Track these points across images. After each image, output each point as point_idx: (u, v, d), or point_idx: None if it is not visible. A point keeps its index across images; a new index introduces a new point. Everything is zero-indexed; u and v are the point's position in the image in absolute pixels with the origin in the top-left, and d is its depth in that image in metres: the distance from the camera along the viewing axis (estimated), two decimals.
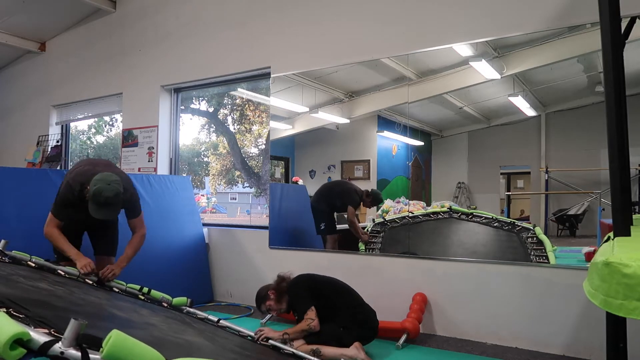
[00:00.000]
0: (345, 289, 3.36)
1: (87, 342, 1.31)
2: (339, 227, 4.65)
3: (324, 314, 3.12)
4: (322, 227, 4.68)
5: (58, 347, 1.29)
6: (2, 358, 1.21)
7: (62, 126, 6.94)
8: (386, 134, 4.52)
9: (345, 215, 4.57)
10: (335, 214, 4.69)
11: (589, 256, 3.37)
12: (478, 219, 4.01)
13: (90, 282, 2.99)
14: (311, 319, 3.03)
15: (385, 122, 4.51)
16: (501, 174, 4.10)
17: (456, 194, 4.20)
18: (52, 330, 1.41)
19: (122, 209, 3.19)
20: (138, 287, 3.15)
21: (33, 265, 2.85)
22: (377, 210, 4.45)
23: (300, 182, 4.92)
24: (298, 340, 3.03)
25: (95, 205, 2.91)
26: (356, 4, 4.35)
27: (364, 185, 4.64)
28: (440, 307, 3.83)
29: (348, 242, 4.48)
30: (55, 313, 1.84)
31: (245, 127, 10.51)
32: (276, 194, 4.95)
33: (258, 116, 10.11)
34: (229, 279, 5.01)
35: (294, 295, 3.22)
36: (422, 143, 4.36)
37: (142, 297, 3.07)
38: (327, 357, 2.95)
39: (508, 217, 3.94)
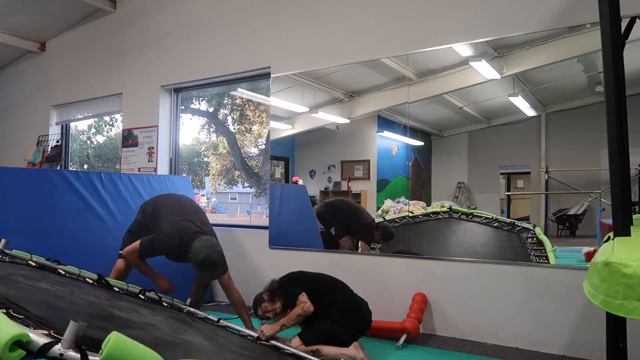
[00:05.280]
0: (334, 283, 3.39)
1: (87, 343, 1.31)
2: None
3: (316, 311, 3.11)
4: (334, 232, 4.61)
5: (57, 348, 1.28)
6: None
7: (62, 126, 6.94)
8: (386, 134, 4.52)
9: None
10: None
11: (589, 256, 3.36)
12: (478, 219, 4.00)
13: (91, 282, 2.99)
14: (304, 302, 3.07)
15: (385, 122, 4.51)
16: (501, 174, 4.09)
17: (456, 194, 4.20)
18: (51, 331, 1.41)
19: None
20: (139, 289, 3.15)
21: (33, 264, 2.84)
22: (377, 210, 4.45)
23: (300, 182, 4.92)
24: (296, 341, 3.03)
25: (206, 271, 3.35)
26: (356, 4, 4.35)
27: (364, 185, 4.64)
28: (440, 307, 3.83)
29: None
30: (55, 313, 1.84)
31: (245, 127, 10.51)
32: (276, 194, 4.95)
33: (258, 116, 10.11)
34: None
35: (284, 290, 3.24)
36: (422, 143, 4.36)
37: (142, 297, 3.07)
38: (327, 357, 2.95)
39: (508, 217, 3.94)
